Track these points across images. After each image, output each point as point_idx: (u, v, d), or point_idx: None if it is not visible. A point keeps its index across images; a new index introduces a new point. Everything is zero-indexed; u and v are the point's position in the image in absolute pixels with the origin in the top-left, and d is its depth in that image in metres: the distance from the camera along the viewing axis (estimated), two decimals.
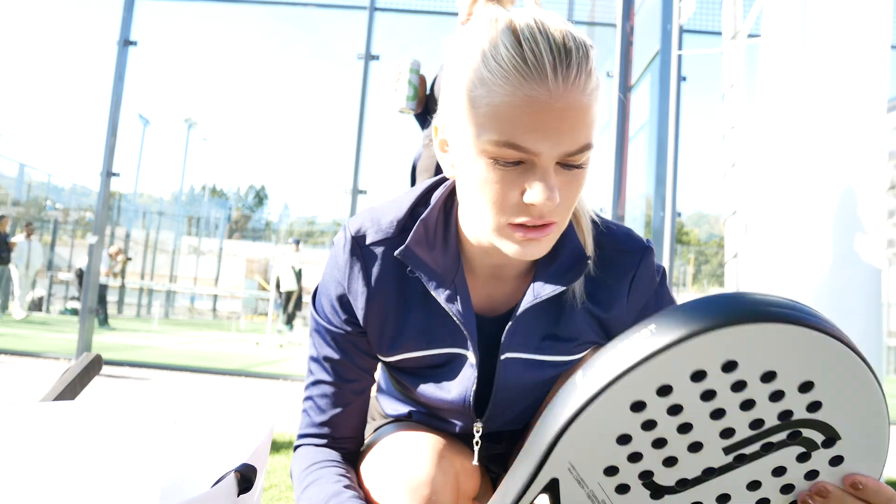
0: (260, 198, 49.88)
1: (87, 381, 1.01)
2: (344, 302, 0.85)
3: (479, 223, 0.76)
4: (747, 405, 0.49)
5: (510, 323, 0.84)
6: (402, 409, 0.99)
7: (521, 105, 0.66)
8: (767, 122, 2.77)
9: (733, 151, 2.72)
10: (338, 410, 0.89)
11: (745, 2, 2.85)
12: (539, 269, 0.84)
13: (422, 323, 0.85)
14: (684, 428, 0.50)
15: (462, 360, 0.86)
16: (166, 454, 0.85)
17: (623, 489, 0.54)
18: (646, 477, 0.54)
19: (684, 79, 3.83)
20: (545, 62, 0.66)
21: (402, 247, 0.81)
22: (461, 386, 0.86)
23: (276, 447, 2.41)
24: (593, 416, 0.50)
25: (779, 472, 0.53)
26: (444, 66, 0.95)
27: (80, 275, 6.89)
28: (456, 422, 0.91)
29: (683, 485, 0.54)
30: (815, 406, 0.50)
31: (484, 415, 0.89)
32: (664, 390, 0.48)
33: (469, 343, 0.84)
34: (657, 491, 0.54)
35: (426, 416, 0.95)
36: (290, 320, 10.56)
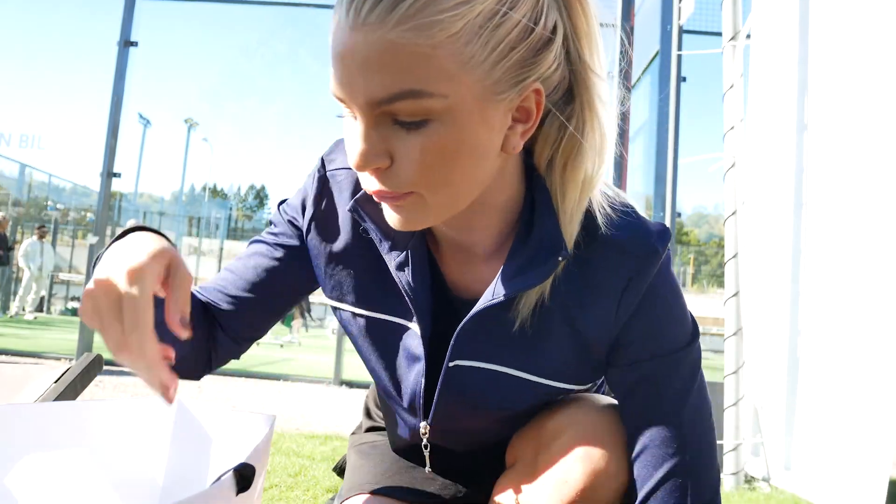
0: (260, 198, 49.94)
1: (87, 381, 1.01)
2: (294, 209, 0.79)
3: None
4: None
5: (460, 327, 0.71)
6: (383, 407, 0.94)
7: (330, 47, 0.58)
8: (766, 121, 2.77)
9: (733, 151, 2.72)
10: (245, 296, 0.79)
11: (745, 2, 2.85)
12: (507, 260, 0.68)
13: (370, 276, 0.75)
14: None
15: (409, 335, 0.75)
16: (166, 454, 0.85)
17: None
18: None
19: (684, 79, 3.81)
20: None
21: (352, 201, 0.70)
22: (413, 377, 0.76)
23: (277, 447, 2.41)
24: None
25: None
26: None
27: None
28: (408, 419, 0.83)
29: None
30: None
31: (429, 416, 0.77)
32: None
33: (416, 319, 0.72)
34: None
35: (389, 410, 0.88)
36: (289, 321, 10.54)
